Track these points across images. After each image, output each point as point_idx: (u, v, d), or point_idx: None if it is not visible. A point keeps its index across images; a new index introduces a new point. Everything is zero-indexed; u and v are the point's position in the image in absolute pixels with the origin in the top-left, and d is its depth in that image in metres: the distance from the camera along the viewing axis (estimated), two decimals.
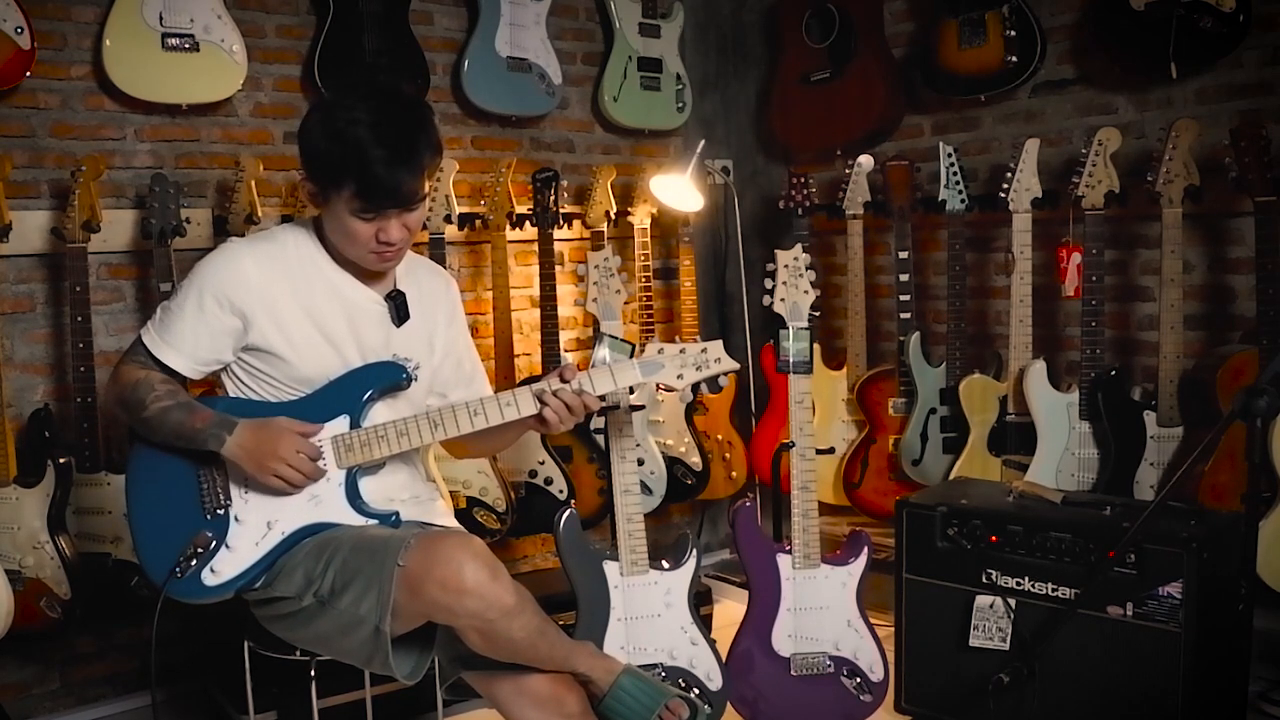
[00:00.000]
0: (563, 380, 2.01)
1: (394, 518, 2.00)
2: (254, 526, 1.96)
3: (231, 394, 2.04)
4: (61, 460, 2.68)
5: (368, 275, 2.03)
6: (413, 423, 1.99)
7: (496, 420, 2.01)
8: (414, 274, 2.13)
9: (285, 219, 3.11)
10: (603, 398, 2.13)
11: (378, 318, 2.04)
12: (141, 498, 2.01)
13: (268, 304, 1.95)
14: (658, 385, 2.21)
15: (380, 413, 2.02)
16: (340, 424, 1.99)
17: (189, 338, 1.96)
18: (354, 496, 1.98)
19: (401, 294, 2.06)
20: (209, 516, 1.97)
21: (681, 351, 2.12)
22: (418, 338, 2.10)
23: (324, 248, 2.01)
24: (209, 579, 1.94)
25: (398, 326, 2.06)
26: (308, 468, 1.92)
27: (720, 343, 2.16)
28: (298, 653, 2.20)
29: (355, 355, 2.01)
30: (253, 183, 2.95)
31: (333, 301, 2.00)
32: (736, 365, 2.17)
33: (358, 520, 1.97)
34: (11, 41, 2.68)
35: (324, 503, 1.97)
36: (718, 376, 2.18)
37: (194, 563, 1.93)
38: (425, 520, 2.10)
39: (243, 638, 2.37)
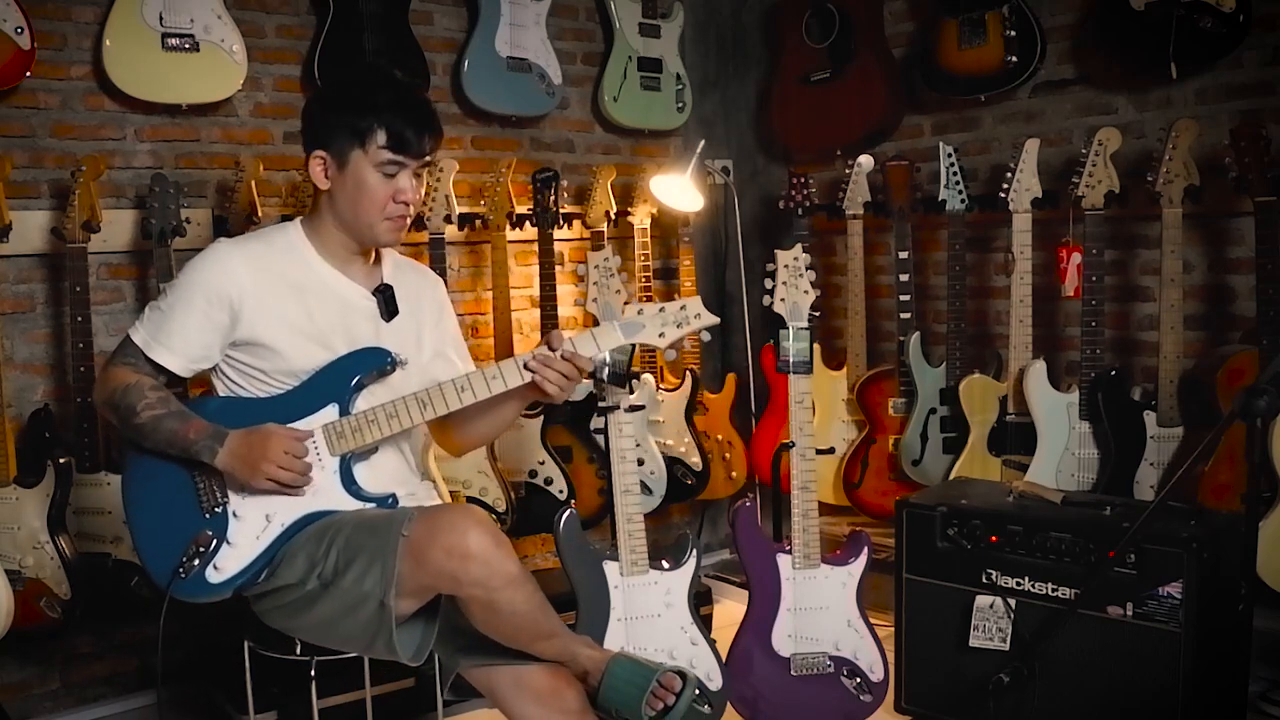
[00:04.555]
0: (550, 348, 2.02)
1: (390, 499, 2.01)
2: (253, 521, 1.97)
3: (221, 394, 2.05)
4: (61, 460, 2.68)
5: (356, 271, 2.08)
6: (401, 404, 2.00)
7: (484, 394, 2.02)
8: (401, 272, 2.17)
9: (285, 219, 3.11)
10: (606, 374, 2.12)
11: (367, 313, 2.08)
12: (140, 501, 2.02)
13: (256, 299, 1.98)
14: (639, 351, 2.17)
15: (370, 402, 2.03)
16: (330, 412, 2.00)
17: (179, 335, 1.97)
18: (349, 482, 2.00)
19: (389, 288, 2.10)
20: (208, 515, 1.98)
21: (661, 310, 2.12)
22: (407, 333, 2.12)
23: (313, 245, 2.05)
24: (213, 576, 1.94)
25: (387, 321, 2.09)
26: (299, 466, 1.94)
27: (698, 298, 2.16)
28: (298, 652, 2.20)
29: (344, 349, 2.03)
30: (253, 183, 2.95)
31: (322, 297, 2.03)
32: (716, 319, 2.16)
33: (355, 505, 1.99)
34: (11, 41, 2.68)
35: (321, 491, 1.98)
36: (701, 330, 2.17)
37: (196, 562, 1.94)
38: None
39: (243, 638, 2.36)
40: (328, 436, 1.99)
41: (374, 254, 2.13)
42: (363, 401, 2.03)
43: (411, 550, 1.81)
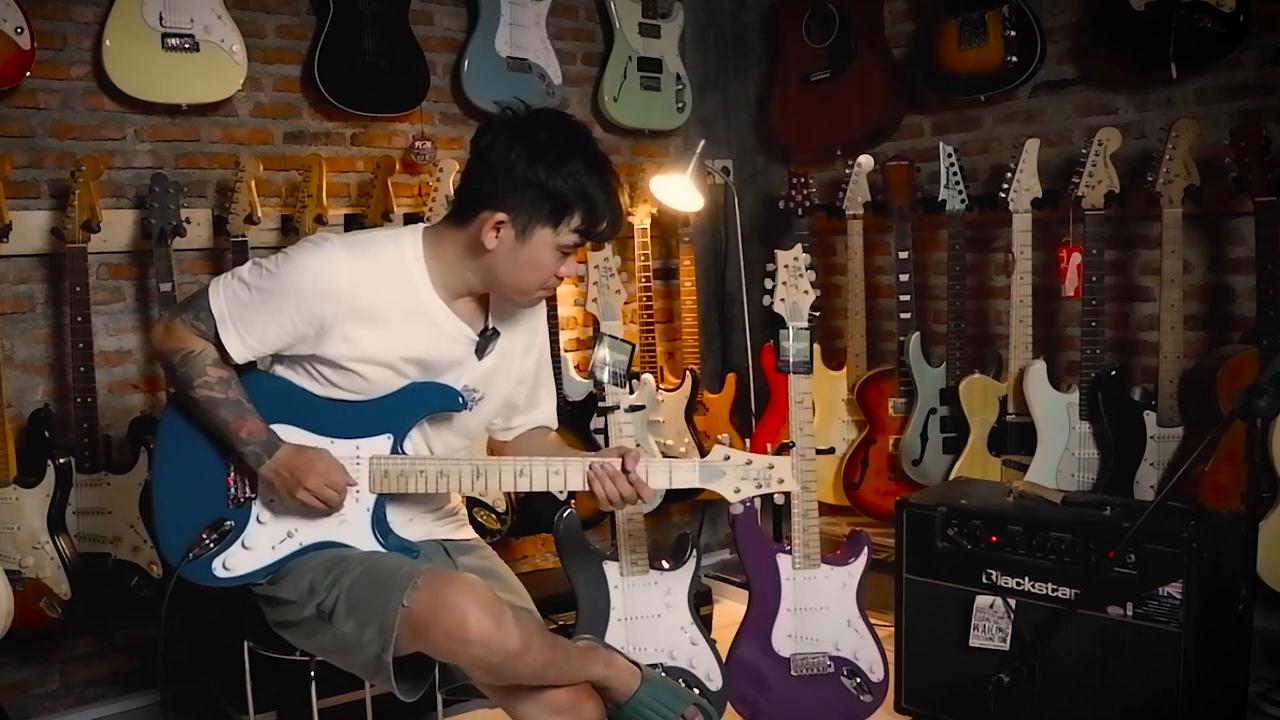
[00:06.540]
0: (624, 468, 1.95)
1: (415, 552, 1.97)
2: (274, 531, 1.95)
3: (280, 372, 1.99)
4: (61, 460, 2.69)
5: (463, 307, 1.98)
6: (455, 467, 1.95)
7: (540, 486, 1.97)
8: (504, 306, 2.04)
9: (285, 219, 3.11)
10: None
11: (461, 349, 1.98)
12: (169, 466, 1.98)
13: (349, 322, 1.88)
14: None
15: (427, 433, 2.01)
16: (383, 443, 1.95)
17: (257, 331, 1.90)
18: (380, 525, 1.96)
19: (496, 333, 2.01)
20: (232, 505, 1.96)
21: (748, 464, 2.03)
22: (494, 371, 2.05)
23: (429, 269, 1.93)
24: (220, 571, 1.93)
25: (479, 359, 2.01)
26: (334, 501, 1.91)
27: (789, 461, 2.05)
28: (298, 653, 2.20)
29: (420, 379, 1.97)
30: (253, 183, 2.94)
31: (421, 328, 1.94)
32: (797, 487, 2.12)
33: (377, 547, 1.96)
34: (11, 41, 2.68)
35: (348, 523, 1.95)
36: (775, 494, 2.11)
37: (210, 548, 1.92)
38: (445, 537, 2.10)
39: (243, 638, 2.36)
40: (373, 471, 1.95)
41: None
42: (417, 431, 1.99)
43: (411, 624, 1.78)
